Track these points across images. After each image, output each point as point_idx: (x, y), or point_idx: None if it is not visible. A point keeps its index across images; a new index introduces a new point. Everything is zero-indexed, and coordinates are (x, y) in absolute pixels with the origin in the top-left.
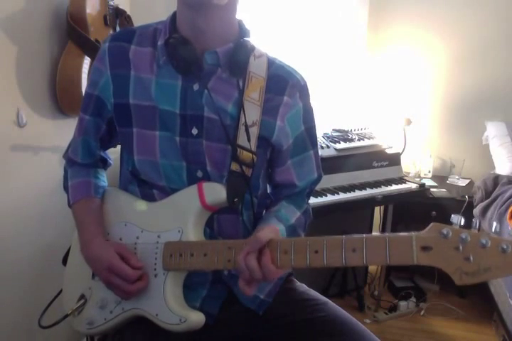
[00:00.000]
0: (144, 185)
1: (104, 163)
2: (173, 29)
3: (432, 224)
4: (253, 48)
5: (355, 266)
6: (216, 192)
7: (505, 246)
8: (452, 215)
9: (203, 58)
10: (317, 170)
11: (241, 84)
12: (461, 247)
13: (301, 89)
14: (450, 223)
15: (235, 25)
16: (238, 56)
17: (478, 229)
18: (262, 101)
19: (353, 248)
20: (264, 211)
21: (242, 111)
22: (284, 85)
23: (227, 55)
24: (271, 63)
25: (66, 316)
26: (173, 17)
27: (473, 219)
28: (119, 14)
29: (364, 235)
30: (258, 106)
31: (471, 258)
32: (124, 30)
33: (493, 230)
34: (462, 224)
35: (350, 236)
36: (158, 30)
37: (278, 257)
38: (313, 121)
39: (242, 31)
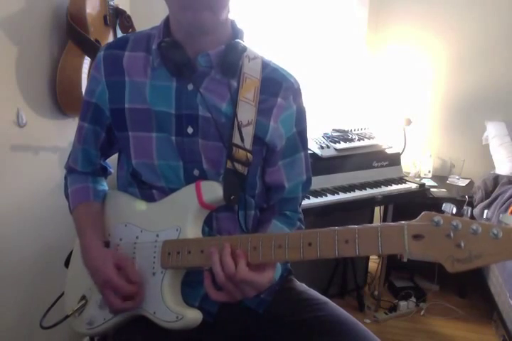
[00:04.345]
0: (143, 186)
1: (104, 172)
2: (167, 33)
3: (423, 213)
4: (244, 49)
5: (348, 256)
6: (213, 191)
7: (495, 232)
8: (444, 204)
9: (196, 61)
10: (306, 172)
11: (235, 84)
12: (452, 234)
13: (295, 92)
14: (442, 212)
15: (227, 26)
16: (230, 57)
17: (471, 217)
18: (256, 101)
19: (346, 239)
20: (259, 220)
21: (235, 111)
22: (278, 88)
23: (219, 56)
24: (265, 65)
25: (67, 317)
26: (167, 21)
27: (464, 207)
28: (119, 14)
29: (356, 226)
30: (253, 106)
31: (462, 245)
32: (118, 39)
33: (484, 217)
34: (454, 212)
35: (343, 228)
36: (152, 35)
37: (273, 252)
38: (305, 124)
39: (234, 31)
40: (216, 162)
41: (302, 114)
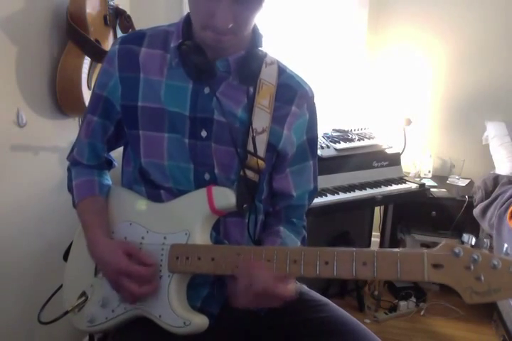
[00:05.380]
0: (150, 185)
1: (109, 165)
2: (187, 34)
3: (443, 243)
4: (264, 56)
5: (366, 279)
6: (226, 198)
7: None
8: (464, 234)
9: (214, 65)
10: (314, 181)
11: (251, 90)
12: (472, 267)
13: (309, 101)
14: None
15: (249, 32)
16: (250, 66)
17: (489, 249)
18: (271, 108)
19: (364, 261)
20: (265, 230)
21: (251, 118)
22: (292, 95)
23: (238, 62)
24: (281, 71)
25: (66, 313)
26: (187, 20)
27: (485, 240)
28: (119, 14)
29: (375, 249)
30: (268, 113)
31: (482, 278)
32: (134, 33)
33: (504, 251)
34: (473, 243)
35: (361, 250)
36: (170, 32)
37: (287, 266)
38: (316, 133)
39: (255, 35)
40: (228, 167)
41: (314, 122)
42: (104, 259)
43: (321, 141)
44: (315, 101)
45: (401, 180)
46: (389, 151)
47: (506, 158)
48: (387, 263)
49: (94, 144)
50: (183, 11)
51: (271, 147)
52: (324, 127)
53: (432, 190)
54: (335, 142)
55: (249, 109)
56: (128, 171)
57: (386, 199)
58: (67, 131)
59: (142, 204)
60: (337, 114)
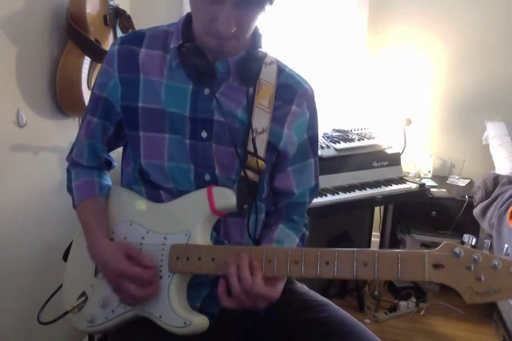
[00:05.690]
0: (150, 186)
1: (108, 166)
2: (187, 35)
3: (444, 243)
4: (265, 56)
5: (367, 279)
6: (226, 198)
7: None
8: (464, 235)
9: (214, 66)
10: (315, 178)
11: (251, 91)
12: (472, 267)
13: (309, 99)
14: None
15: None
16: (250, 66)
17: (489, 249)
18: (271, 108)
19: (365, 262)
20: (265, 228)
21: (250, 118)
22: (292, 94)
23: (238, 63)
24: (281, 71)
25: (66, 313)
26: (187, 21)
27: (485, 240)
28: (119, 14)
29: (376, 250)
30: (268, 113)
31: (483, 279)
32: (133, 34)
33: (504, 251)
34: (473, 243)
35: (362, 250)
36: (170, 32)
37: (288, 267)
38: (317, 131)
39: (254, 36)
40: (229, 167)
41: (315, 120)
42: (105, 261)
43: (321, 141)
44: (315, 98)
45: (401, 180)
46: (389, 151)
47: (506, 158)
48: (388, 263)
49: (94, 145)
50: (183, 11)
51: (271, 147)
52: (324, 127)
53: (432, 190)
54: (335, 142)
55: (249, 109)
56: (127, 171)
57: (386, 199)
58: (67, 131)
59: (142, 204)
60: (337, 114)
